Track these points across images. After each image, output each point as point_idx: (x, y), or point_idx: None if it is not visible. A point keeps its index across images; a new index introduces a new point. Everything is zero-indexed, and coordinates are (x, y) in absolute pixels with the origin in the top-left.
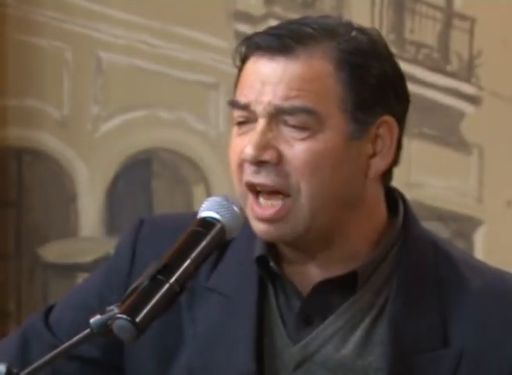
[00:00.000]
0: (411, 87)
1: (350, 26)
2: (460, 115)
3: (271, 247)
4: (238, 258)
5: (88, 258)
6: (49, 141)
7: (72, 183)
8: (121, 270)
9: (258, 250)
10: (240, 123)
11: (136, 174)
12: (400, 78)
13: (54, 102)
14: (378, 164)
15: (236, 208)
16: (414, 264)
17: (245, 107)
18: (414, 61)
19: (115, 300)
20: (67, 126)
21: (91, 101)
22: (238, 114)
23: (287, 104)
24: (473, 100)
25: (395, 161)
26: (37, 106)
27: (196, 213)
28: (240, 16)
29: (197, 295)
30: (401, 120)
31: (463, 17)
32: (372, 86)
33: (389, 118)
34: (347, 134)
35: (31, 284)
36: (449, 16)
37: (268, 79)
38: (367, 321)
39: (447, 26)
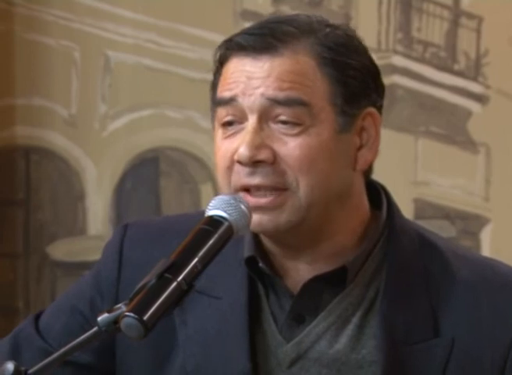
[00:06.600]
0: (418, 86)
1: (323, 22)
2: (467, 113)
3: (258, 247)
4: (225, 260)
5: (96, 256)
6: (57, 139)
7: (80, 181)
8: (109, 277)
9: (247, 251)
10: (226, 125)
11: (144, 173)
12: (377, 70)
13: (62, 101)
14: (366, 155)
15: (243, 207)
16: (401, 256)
17: (231, 100)
18: (421, 60)
19: (105, 307)
20: (75, 125)
21: (99, 100)
22: (224, 113)
23: (282, 95)
24: (480, 99)
25: (377, 153)
26: (45, 105)
27: (184, 214)
28: (247, 14)
29: (187, 298)
30: (380, 112)
31: (470, 16)
32: (356, 79)
33: (372, 110)
34: (337, 128)
35: (39, 282)
36: (457, 14)
37: (254, 74)
38: (358, 315)
39: (454, 24)
